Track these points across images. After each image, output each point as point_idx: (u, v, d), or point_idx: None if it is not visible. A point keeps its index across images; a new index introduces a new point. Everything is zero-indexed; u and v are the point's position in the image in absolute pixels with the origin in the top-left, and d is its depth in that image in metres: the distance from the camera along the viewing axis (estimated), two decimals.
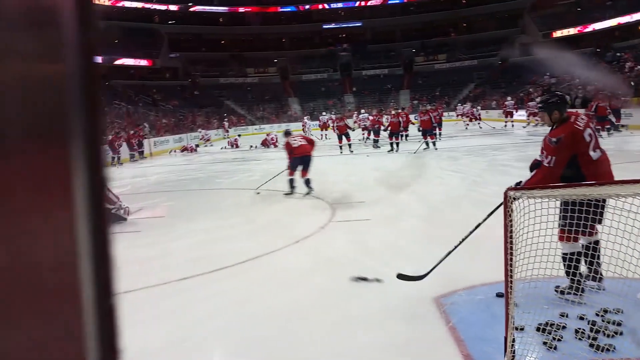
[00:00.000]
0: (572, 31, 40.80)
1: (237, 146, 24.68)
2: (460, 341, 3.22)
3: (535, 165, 4.08)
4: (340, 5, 53.04)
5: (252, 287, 4.65)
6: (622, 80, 25.02)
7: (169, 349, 3.48)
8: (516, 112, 26.28)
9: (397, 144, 16.83)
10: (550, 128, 3.93)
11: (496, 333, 3.07)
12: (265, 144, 23.39)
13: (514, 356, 2.76)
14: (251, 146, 23.87)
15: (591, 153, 3.69)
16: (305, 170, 9.38)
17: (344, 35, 54.22)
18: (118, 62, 43.35)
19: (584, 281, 3.61)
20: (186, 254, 5.84)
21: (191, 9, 49.48)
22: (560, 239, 3.56)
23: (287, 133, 9.95)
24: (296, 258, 5.45)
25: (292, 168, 9.49)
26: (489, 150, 15.35)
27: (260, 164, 16.31)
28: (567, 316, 3.31)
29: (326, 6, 52.82)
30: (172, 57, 48.49)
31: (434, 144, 16.59)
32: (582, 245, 3.72)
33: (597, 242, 3.70)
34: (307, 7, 52.51)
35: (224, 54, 51.32)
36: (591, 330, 3.12)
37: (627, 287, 3.29)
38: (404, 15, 52.00)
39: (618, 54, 31.81)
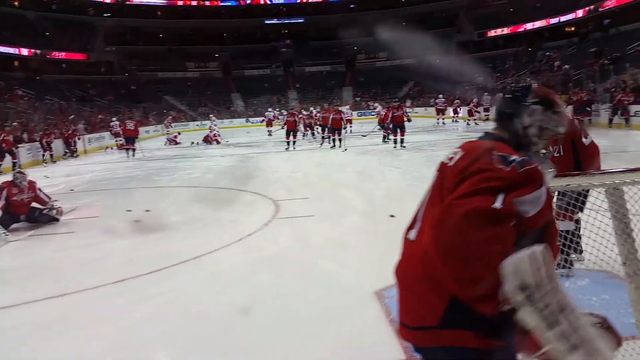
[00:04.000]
0: (505, 31, 42.51)
1: (176, 143, 24.06)
2: None
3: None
4: (282, 1, 52.81)
5: (194, 287, 4.56)
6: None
7: (107, 354, 3.36)
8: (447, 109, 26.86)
9: (340, 140, 16.92)
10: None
11: None
12: (207, 140, 22.87)
13: None
14: (192, 143, 23.31)
15: (583, 140, 4.16)
16: (132, 143, 18.69)
17: (286, 31, 53.93)
18: (50, 55, 41.28)
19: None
20: (124, 255, 5.65)
21: (128, 2, 47.77)
22: (557, 216, 3.85)
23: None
24: (239, 256, 5.40)
25: (126, 142, 18.84)
26: (427, 146, 15.75)
27: (202, 160, 16.03)
28: None
29: (268, 1, 52.45)
30: (108, 50, 46.61)
31: (402, 141, 15.69)
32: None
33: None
34: (248, 1, 51.91)
35: (162, 48, 49.83)
36: None
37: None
38: (346, 13, 52.31)
39: (547, 54, 33.45)
